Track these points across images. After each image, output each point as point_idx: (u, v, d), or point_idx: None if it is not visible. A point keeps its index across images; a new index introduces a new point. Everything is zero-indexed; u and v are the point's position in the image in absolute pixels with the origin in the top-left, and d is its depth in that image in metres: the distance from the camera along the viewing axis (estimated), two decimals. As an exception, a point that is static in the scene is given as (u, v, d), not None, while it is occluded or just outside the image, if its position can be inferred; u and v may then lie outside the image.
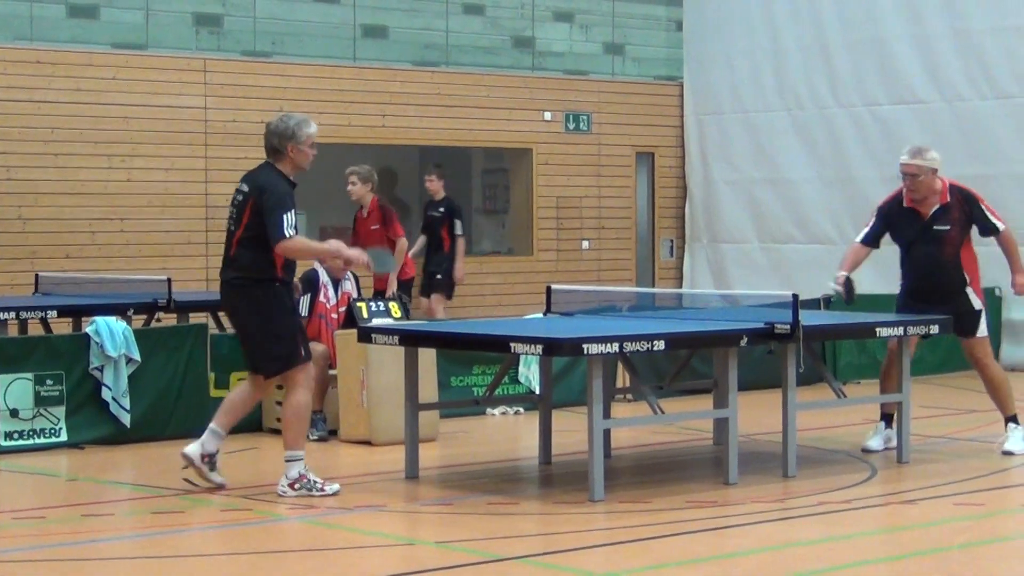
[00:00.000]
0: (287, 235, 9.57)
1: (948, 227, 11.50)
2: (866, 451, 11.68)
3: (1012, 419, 11.64)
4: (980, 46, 17.88)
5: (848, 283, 11.57)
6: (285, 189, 9.72)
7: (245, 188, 9.87)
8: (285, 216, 9.59)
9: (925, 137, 18.21)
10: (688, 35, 20.88)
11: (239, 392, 10.22)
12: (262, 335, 9.82)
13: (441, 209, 17.25)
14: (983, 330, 11.67)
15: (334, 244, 10.14)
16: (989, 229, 11.61)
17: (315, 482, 9.78)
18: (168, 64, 17.14)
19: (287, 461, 9.83)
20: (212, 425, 10.04)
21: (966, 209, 11.53)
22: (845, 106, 19.16)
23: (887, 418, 11.77)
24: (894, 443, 11.44)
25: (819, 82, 19.41)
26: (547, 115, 19.82)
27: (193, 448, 9.98)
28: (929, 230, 11.54)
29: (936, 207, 11.55)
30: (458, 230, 17.21)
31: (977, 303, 11.59)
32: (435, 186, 17.27)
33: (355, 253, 10.10)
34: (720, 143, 20.46)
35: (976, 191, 11.77)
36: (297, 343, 9.88)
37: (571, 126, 20.02)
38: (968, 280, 11.59)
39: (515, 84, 19.60)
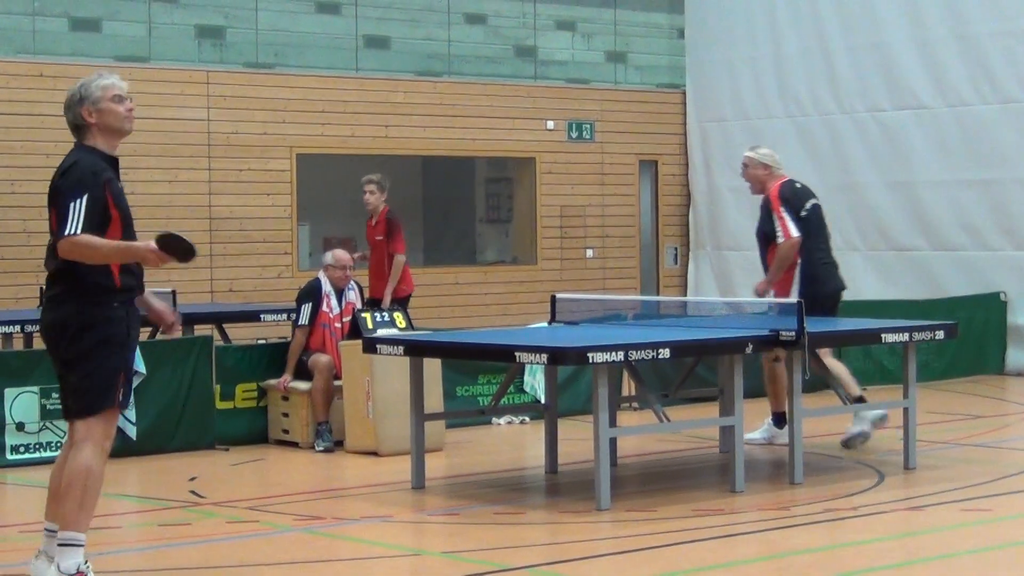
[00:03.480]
0: (67, 232, 7.26)
1: (758, 227, 12.25)
2: (748, 443, 11.74)
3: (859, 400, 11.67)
4: (983, 50, 17.86)
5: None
6: (83, 170, 7.45)
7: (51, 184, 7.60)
8: (72, 205, 7.30)
9: (929, 142, 18.26)
10: (690, 43, 20.88)
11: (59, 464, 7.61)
12: (86, 368, 7.40)
13: None
14: None
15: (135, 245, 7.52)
16: (772, 235, 12.08)
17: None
18: (171, 76, 17.15)
19: (64, 545, 7.31)
20: (49, 525, 7.56)
21: (766, 212, 12.14)
22: (848, 112, 19.15)
23: (778, 417, 12.03)
24: (781, 440, 11.70)
25: (822, 88, 19.40)
26: (550, 124, 19.83)
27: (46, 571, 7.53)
28: None
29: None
30: None
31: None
32: None
33: (151, 253, 7.40)
34: (723, 150, 20.44)
35: (781, 196, 12.15)
36: (115, 384, 7.44)
37: (574, 135, 20.02)
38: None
39: (518, 93, 19.61)
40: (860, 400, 11.62)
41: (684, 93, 20.89)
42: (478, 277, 19.44)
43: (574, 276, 19.76)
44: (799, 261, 12.03)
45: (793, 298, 11.59)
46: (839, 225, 19.16)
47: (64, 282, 7.45)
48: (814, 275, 12.05)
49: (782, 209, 12.03)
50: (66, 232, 7.27)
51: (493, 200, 21.07)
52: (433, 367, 11.81)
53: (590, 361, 9.42)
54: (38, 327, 7.88)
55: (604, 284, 19.96)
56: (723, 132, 20.44)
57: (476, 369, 13.59)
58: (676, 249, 20.96)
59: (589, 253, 20.08)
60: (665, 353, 9.82)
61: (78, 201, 7.32)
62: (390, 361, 11.40)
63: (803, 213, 12.13)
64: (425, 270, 19.62)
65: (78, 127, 7.72)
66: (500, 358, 10.64)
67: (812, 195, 12.44)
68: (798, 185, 12.47)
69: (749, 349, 10.18)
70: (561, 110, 19.92)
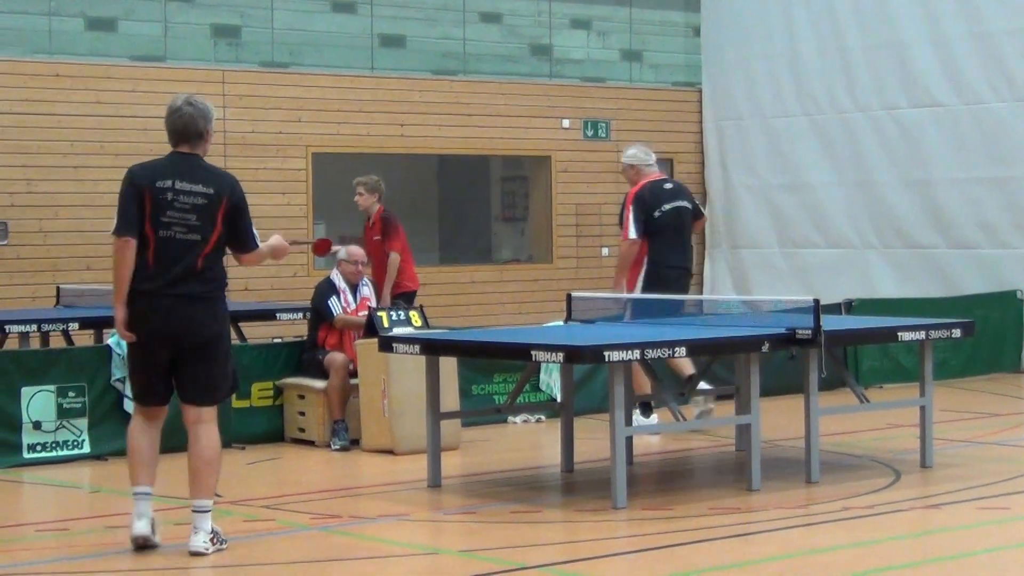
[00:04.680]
0: (258, 245, 8.59)
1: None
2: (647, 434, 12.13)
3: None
4: (999, 48, 17.83)
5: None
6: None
7: (204, 189, 8.34)
8: (251, 222, 8.57)
9: (945, 140, 18.23)
10: (706, 41, 20.86)
11: (146, 437, 8.44)
12: (226, 354, 8.52)
13: None
14: None
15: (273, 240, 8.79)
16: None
17: (221, 535, 8.50)
18: (186, 76, 17.18)
19: (203, 512, 8.35)
20: (140, 489, 8.36)
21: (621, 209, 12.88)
22: (864, 110, 19.11)
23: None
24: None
25: (838, 86, 19.38)
26: (565, 122, 19.82)
27: (143, 526, 8.37)
28: None
29: None
30: None
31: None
32: None
33: (280, 243, 8.80)
34: (739, 148, 20.44)
35: (637, 196, 12.66)
36: None
37: (590, 133, 20.01)
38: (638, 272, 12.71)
39: (533, 92, 19.61)
40: (690, 379, 12.09)
41: (700, 91, 20.88)
42: (494, 275, 19.44)
43: (590, 274, 19.75)
44: (646, 260, 12.56)
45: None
46: (855, 223, 19.20)
47: (212, 281, 8.35)
48: (659, 277, 12.59)
49: (630, 208, 12.54)
50: (258, 245, 8.50)
51: (509, 198, 21.07)
52: (449, 366, 11.82)
53: (606, 360, 9.41)
54: (177, 321, 8.29)
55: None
56: (739, 130, 20.42)
57: (492, 368, 13.59)
58: (692, 247, 20.90)
59: (605, 251, 20.06)
60: (681, 352, 9.83)
61: (250, 217, 8.49)
62: (406, 360, 11.40)
63: (656, 214, 12.61)
64: (441, 269, 19.63)
65: (200, 136, 8.42)
66: (516, 357, 10.64)
67: (680, 198, 12.85)
68: (667, 186, 12.92)
69: (765, 347, 10.16)
70: (577, 108, 19.92)
